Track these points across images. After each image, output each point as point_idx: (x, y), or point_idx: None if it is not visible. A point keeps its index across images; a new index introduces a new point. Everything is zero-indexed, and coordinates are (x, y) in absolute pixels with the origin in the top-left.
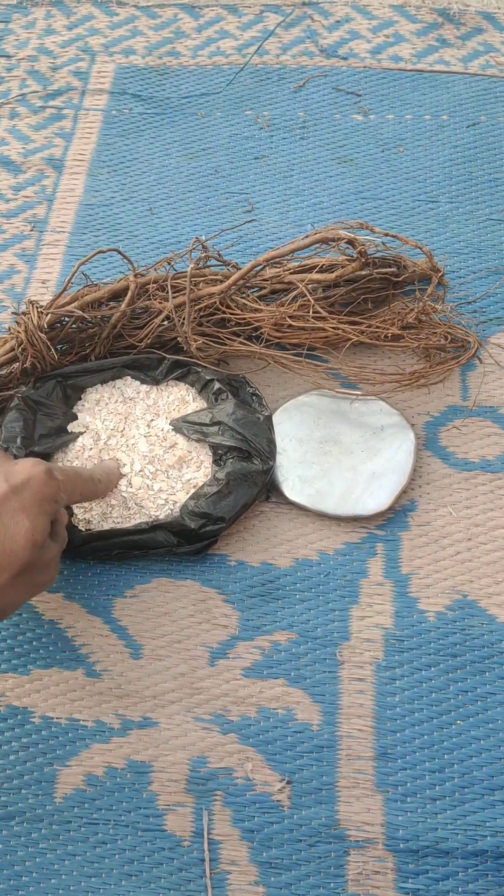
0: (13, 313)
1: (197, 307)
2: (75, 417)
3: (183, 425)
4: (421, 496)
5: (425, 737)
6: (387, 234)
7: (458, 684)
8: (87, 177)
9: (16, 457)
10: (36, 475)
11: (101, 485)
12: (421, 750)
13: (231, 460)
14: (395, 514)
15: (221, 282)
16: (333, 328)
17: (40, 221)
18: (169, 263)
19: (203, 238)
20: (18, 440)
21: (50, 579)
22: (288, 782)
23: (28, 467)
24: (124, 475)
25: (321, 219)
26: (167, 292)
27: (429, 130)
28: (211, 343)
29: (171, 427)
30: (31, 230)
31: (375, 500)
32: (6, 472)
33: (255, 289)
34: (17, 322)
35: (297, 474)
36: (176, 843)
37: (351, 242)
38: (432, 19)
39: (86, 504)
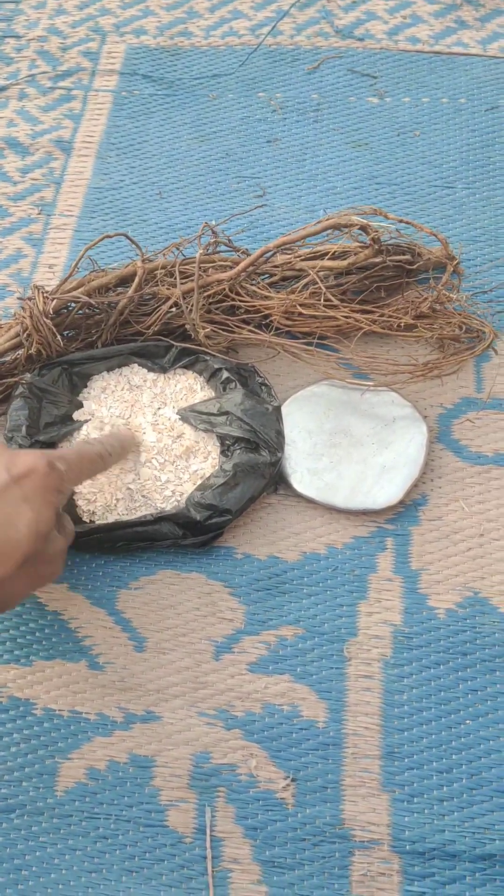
0: (19, 298)
1: (206, 294)
2: (81, 405)
3: (190, 415)
4: (432, 490)
5: (433, 736)
6: (401, 221)
7: (468, 683)
8: (95, 159)
9: (20, 446)
10: (38, 466)
11: (111, 458)
12: (429, 749)
13: (239, 451)
14: (406, 509)
15: (231, 268)
16: (345, 317)
17: (48, 205)
18: (178, 249)
19: (213, 223)
20: (23, 429)
21: (55, 572)
22: (292, 780)
23: (30, 458)
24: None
25: (334, 204)
26: (175, 278)
27: (446, 114)
28: (220, 331)
29: (178, 416)
30: (39, 213)
31: (386, 493)
32: (7, 463)
33: (266, 276)
34: (22, 307)
35: (305, 466)
36: (178, 839)
37: (364, 229)
38: (451, 1)
39: (90, 496)
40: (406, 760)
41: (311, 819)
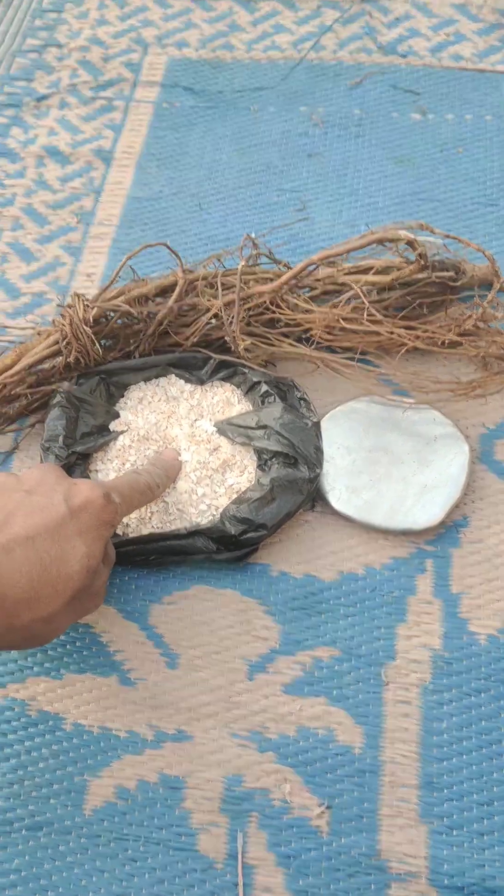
0: (58, 306)
1: (246, 306)
2: (117, 415)
3: (227, 428)
4: (474, 511)
5: (474, 767)
6: (448, 236)
7: None
8: (135, 170)
9: (57, 457)
10: (94, 499)
11: (159, 489)
12: (469, 780)
13: (276, 466)
14: (446, 530)
15: (272, 280)
16: (388, 332)
17: (87, 213)
18: (218, 260)
19: (254, 235)
20: (60, 440)
21: (97, 605)
22: (327, 807)
23: (87, 489)
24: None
25: (375, 219)
26: (217, 289)
27: (489, 131)
28: (259, 343)
29: (215, 429)
30: (78, 222)
31: (426, 513)
32: (66, 494)
33: (307, 289)
34: (62, 314)
35: (344, 484)
36: (208, 864)
37: (410, 243)
38: (494, 19)
39: None
40: (445, 791)
41: (347, 849)
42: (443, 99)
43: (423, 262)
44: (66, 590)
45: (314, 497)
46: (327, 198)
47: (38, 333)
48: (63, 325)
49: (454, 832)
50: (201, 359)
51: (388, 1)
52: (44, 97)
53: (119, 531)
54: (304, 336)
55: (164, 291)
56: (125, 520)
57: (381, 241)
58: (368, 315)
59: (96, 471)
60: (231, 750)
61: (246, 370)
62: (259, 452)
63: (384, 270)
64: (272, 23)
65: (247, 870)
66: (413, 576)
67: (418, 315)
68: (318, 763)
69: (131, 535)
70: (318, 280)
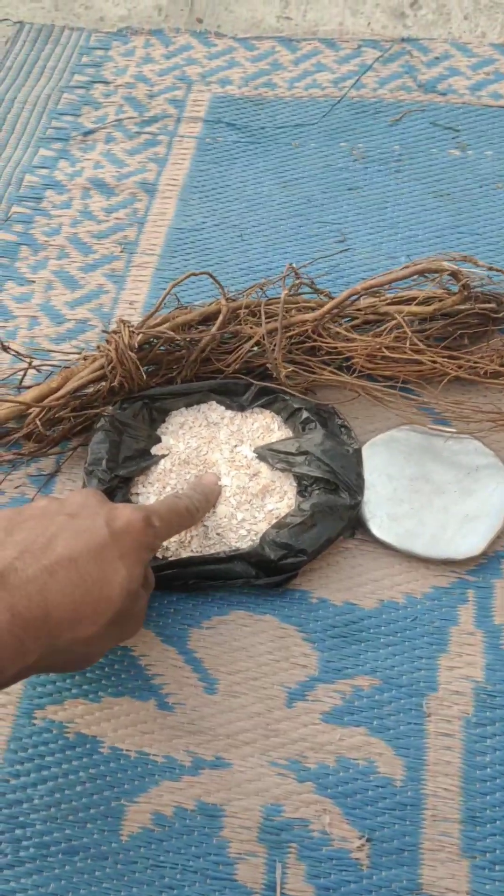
0: (103, 331)
1: (288, 334)
2: (159, 440)
3: (268, 453)
4: None
5: None
6: (491, 269)
7: None
8: (178, 201)
9: (100, 480)
10: (135, 521)
11: (198, 514)
12: None
13: (317, 492)
14: (489, 560)
15: (314, 310)
16: (431, 361)
17: (130, 243)
18: (261, 289)
19: (296, 265)
20: (104, 463)
21: (136, 629)
22: (368, 840)
23: (128, 513)
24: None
25: (416, 252)
26: (260, 317)
27: None
28: (300, 371)
29: (255, 455)
30: (121, 251)
31: (468, 543)
32: (108, 517)
33: (348, 318)
34: (107, 340)
35: (385, 511)
36: (246, 894)
37: (454, 274)
38: None
39: None
40: (488, 826)
41: (387, 882)
42: (482, 136)
43: (466, 293)
44: (107, 612)
45: (355, 524)
46: (367, 231)
47: (84, 358)
48: (108, 350)
49: (496, 867)
50: (242, 385)
51: (428, 41)
52: (90, 132)
53: (159, 555)
54: (344, 364)
55: (208, 319)
56: (165, 543)
57: (424, 273)
58: (411, 344)
59: (137, 494)
60: (269, 779)
61: (287, 397)
62: (299, 478)
63: (426, 301)
64: (313, 62)
65: None
66: (455, 606)
67: (460, 346)
68: (358, 795)
69: (171, 559)
70: (359, 310)
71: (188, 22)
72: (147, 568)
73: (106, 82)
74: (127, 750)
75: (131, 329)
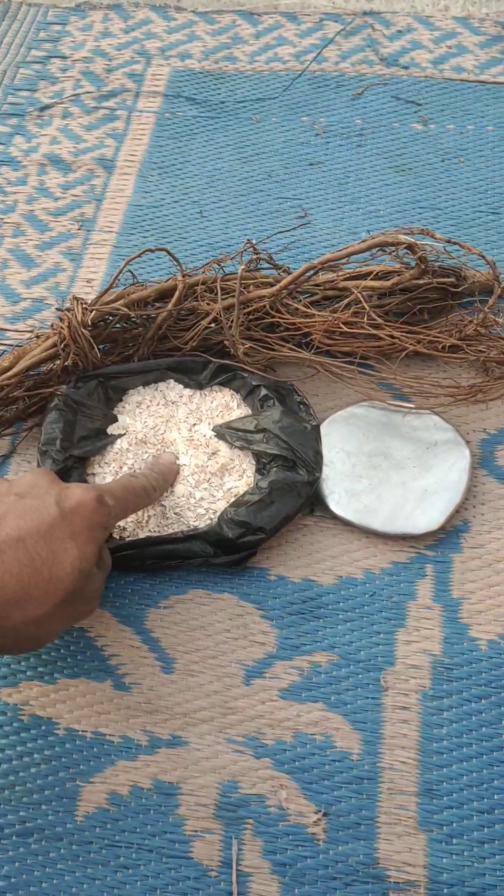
0: (57, 309)
1: (246, 310)
2: (115, 419)
3: (226, 432)
4: (475, 517)
5: (474, 774)
6: (449, 241)
7: None
8: (137, 178)
9: (54, 461)
10: (87, 501)
11: (155, 493)
12: (469, 788)
13: (275, 469)
14: (447, 535)
15: (272, 285)
16: (389, 336)
17: (88, 221)
18: (219, 265)
19: (254, 241)
20: (57, 443)
21: (91, 609)
22: (324, 814)
23: (79, 492)
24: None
25: (376, 227)
26: (216, 294)
27: (491, 141)
28: (259, 348)
29: (213, 433)
30: (79, 229)
31: (426, 518)
32: (58, 497)
33: (307, 294)
34: (60, 318)
35: (343, 488)
36: (202, 872)
37: (411, 248)
38: (496, 32)
39: None
40: (445, 799)
41: (344, 857)
42: (444, 110)
43: (423, 266)
44: (58, 592)
45: (313, 501)
46: (329, 206)
47: (37, 337)
48: (61, 328)
49: (454, 840)
50: (200, 363)
51: (390, 14)
52: (47, 107)
53: (115, 535)
54: (303, 341)
55: (164, 295)
56: (122, 524)
57: (381, 246)
58: (369, 319)
59: (93, 474)
60: (227, 756)
61: (245, 374)
62: (258, 456)
63: (385, 275)
64: (275, 35)
65: (241, 878)
66: (413, 581)
67: (419, 321)
68: (315, 769)
69: (128, 539)
70: (318, 285)
71: None
72: (103, 548)
73: (63, 57)
74: (83, 731)
75: (84, 306)
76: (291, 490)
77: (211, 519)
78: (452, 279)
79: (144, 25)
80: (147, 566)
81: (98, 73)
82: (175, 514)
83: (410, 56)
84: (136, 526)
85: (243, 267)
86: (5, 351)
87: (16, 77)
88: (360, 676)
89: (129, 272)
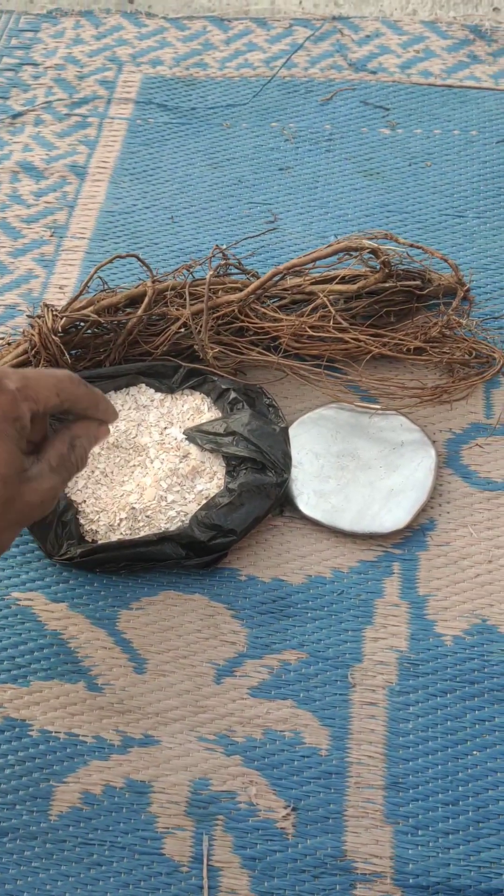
0: (28, 316)
1: (215, 315)
2: None
3: (196, 435)
4: (440, 515)
5: (439, 767)
6: (412, 245)
7: (476, 713)
8: (109, 184)
9: None
10: None
11: (100, 400)
12: (434, 781)
13: (244, 471)
14: (414, 533)
15: (241, 290)
16: (354, 339)
17: (60, 227)
18: (188, 270)
19: (224, 246)
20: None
21: (41, 510)
22: (293, 809)
23: None
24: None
25: (345, 231)
26: (185, 299)
27: (457, 145)
28: (228, 352)
29: (184, 436)
30: (51, 236)
31: (393, 517)
32: None
33: (276, 299)
34: (31, 325)
35: (312, 488)
36: (174, 868)
37: (374, 252)
38: (463, 36)
39: (93, 516)
40: (411, 791)
41: (312, 850)
42: (412, 114)
43: (387, 271)
44: None
45: (283, 502)
46: (298, 210)
47: (8, 344)
48: (32, 334)
49: (419, 832)
50: (171, 367)
51: (359, 19)
52: (19, 114)
53: (88, 538)
54: (272, 344)
55: (134, 301)
56: (93, 527)
57: (346, 251)
58: (334, 323)
59: None
60: (198, 754)
61: (215, 378)
62: (228, 459)
63: (351, 279)
64: (245, 41)
65: (212, 872)
66: (380, 579)
67: (386, 323)
68: (284, 766)
69: (100, 542)
70: (286, 290)
71: (119, 3)
72: (53, 444)
73: (35, 64)
74: (56, 732)
75: (55, 313)
76: (261, 492)
77: (182, 521)
78: (417, 282)
79: (116, 32)
80: (119, 568)
81: (70, 80)
82: (147, 517)
83: (378, 61)
84: (109, 529)
85: (212, 272)
86: None
87: None
88: (328, 673)
89: (99, 278)
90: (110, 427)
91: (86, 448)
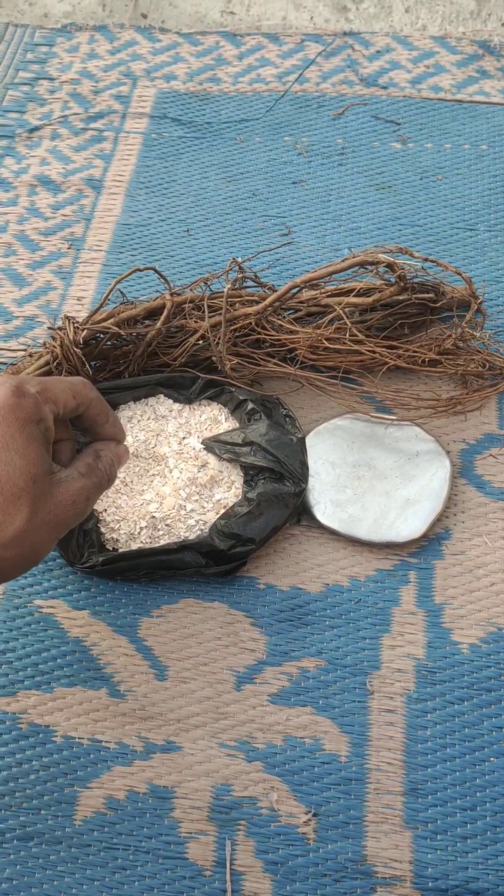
0: (49, 328)
1: (232, 327)
2: None
3: (214, 445)
4: (455, 525)
5: (457, 773)
6: (426, 259)
7: (493, 720)
8: (125, 197)
9: None
10: (2, 398)
11: (110, 411)
12: (452, 786)
13: (263, 481)
14: (429, 542)
15: (257, 303)
16: (370, 351)
17: (77, 240)
18: (206, 283)
19: (240, 259)
20: None
21: (77, 514)
22: (314, 815)
23: None
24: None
25: (358, 244)
26: (203, 312)
27: (468, 159)
28: (245, 363)
29: (202, 446)
30: (69, 248)
31: (409, 526)
32: None
33: (291, 311)
34: (52, 337)
35: (329, 498)
36: (197, 872)
37: (390, 266)
38: (473, 51)
39: (113, 524)
40: (429, 797)
41: (333, 855)
42: (422, 129)
43: (402, 284)
44: (19, 507)
45: (300, 511)
46: (311, 223)
47: (30, 355)
48: (54, 346)
49: (438, 837)
50: (189, 378)
51: (369, 34)
52: (36, 128)
53: (109, 546)
54: (289, 356)
55: (153, 314)
56: (114, 535)
57: (362, 264)
58: (350, 335)
59: None
60: (219, 760)
61: (232, 389)
62: (246, 468)
63: (366, 292)
64: (257, 56)
65: (235, 877)
66: (397, 587)
67: (400, 335)
68: (304, 772)
69: (121, 551)
70: (301, 302)
71: (132, 17)
72: (65, 445)
73: (51, 78)
74: (79, 738)
75: (76, 325)
76: (279, 501)
77: (201, 530)
78: (431, 295)
79: (130, 47)
80: (140, 576)
81: (85, 94)
82: (166, 525)
83: (389, 76)
84: (129, 537)
85: (229, 285)
86: (0, 369)
87: (4, 98)
88: (346, 681)
89: (118, 291)
90: (125, 444)
91: (111, 460)
